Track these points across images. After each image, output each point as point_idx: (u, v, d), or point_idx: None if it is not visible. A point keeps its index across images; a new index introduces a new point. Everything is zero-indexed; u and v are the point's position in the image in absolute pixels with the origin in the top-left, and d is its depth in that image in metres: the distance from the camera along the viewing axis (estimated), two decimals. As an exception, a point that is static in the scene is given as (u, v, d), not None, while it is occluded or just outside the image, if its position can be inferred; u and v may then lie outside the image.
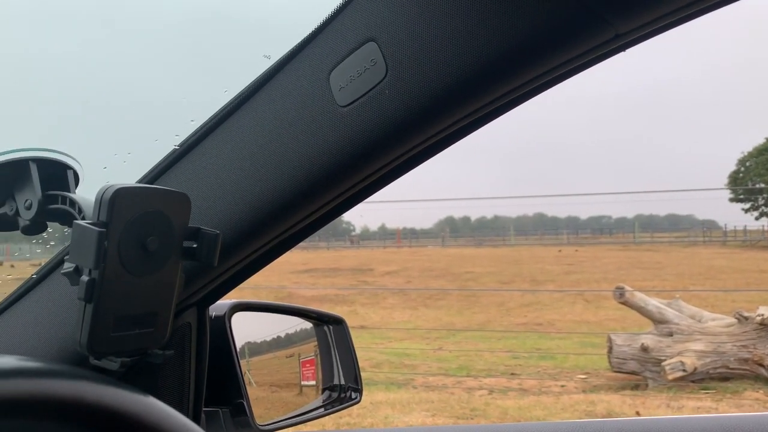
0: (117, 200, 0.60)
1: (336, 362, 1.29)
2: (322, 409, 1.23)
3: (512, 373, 9.05)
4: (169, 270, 0.66)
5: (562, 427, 1.14)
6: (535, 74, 0.63)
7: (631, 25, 0.60)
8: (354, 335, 1.31)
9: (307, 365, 1.26)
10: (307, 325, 1.30)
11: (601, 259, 24.32)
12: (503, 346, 11.80)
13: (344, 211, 0.80)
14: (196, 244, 0.67)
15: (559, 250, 27.80)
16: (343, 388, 1.28)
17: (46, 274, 0.85)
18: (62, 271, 0.63)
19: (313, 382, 1.27)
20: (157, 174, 0.80)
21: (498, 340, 12.47)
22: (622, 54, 0.66)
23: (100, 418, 0.49)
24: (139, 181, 0.80)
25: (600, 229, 61.73)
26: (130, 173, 0.84)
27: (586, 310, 15.65)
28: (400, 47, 0.64)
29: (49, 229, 0.78)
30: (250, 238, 0.76)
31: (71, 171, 0.76)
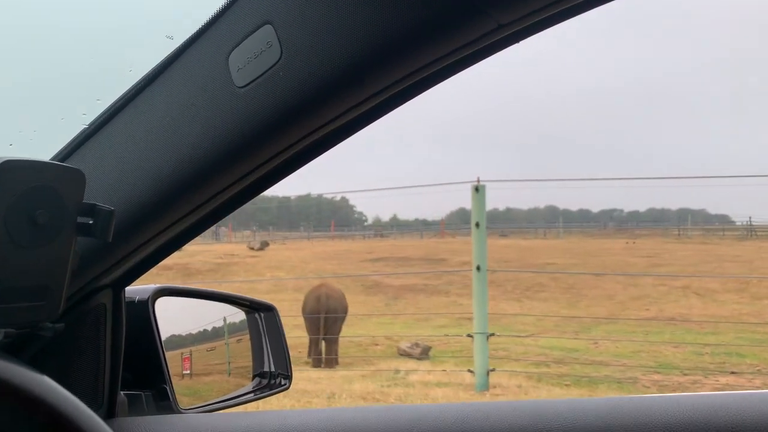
0: (3, 173, 0.61)
1: (267, 349, 1.31)
2: (252, 395, 1.26)
3: (732, 372, 8.37)
4: (61, 244, 0.67)
5: (556, 405, 1.00)
6: (421, 64, 0.64)
7: (513, 16, 0.60)
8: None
9: (187, 360, 1.22)
10: (238, 311, 1.32)
11: (673, 252, 23.70)
12: (660, 340, 11.15)
13: (250, 198, 0.82)
14: (92, 220, 0.68)
15: (626, 242, 27.20)
16: (273, 375, 1.30)
17: None
18: None
19: (188, 371, 1.24)
20: (67, 153, 0.81)
21: (645, 334, 11.81)
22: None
23: None
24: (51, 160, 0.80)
25: (613, 221, 61.37)
26: (37, 150, 0.83)
27: (706, 303, 15.03)
28: (294, 31, 0.64)
29: None
30: (153, 217, 0.78)
31: None
